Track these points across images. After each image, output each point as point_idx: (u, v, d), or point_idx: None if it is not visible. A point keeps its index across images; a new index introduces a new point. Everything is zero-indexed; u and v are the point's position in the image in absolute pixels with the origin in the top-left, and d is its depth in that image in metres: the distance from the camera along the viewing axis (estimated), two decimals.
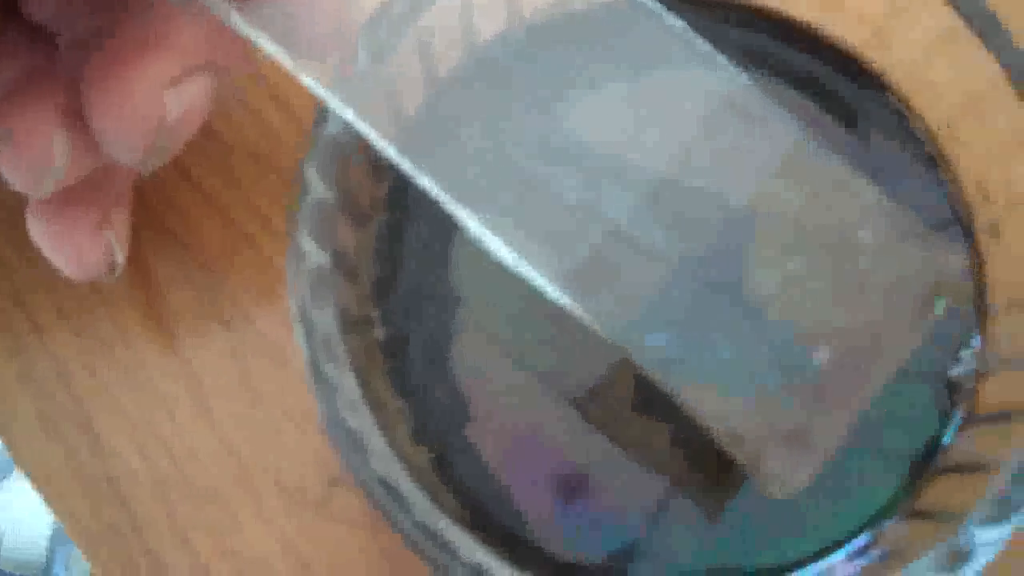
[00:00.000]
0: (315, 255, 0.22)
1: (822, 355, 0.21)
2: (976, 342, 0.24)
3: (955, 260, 0.23)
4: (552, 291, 0.20)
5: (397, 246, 0.24)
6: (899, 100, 0.25)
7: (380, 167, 0.24)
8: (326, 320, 0.22)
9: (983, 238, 0.24)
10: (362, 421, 0.21)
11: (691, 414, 0.21)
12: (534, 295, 0.21)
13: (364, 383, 0.22)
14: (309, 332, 0.21)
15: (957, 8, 0.22)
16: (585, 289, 0.21)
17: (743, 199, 0.22)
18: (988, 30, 0.22)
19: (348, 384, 0.21)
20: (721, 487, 0.23)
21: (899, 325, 0.21)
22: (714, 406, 0.20)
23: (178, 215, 0.29)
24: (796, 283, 0.21)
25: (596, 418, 0.23)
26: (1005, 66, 0.22)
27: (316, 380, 0.20)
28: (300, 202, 0.22)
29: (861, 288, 0.21)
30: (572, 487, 0.23)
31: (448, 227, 0.24)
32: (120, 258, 0.25)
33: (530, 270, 0.20)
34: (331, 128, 0.22)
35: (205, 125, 0.29)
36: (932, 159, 0.25)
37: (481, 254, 0.23)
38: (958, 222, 0.24)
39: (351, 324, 0.23)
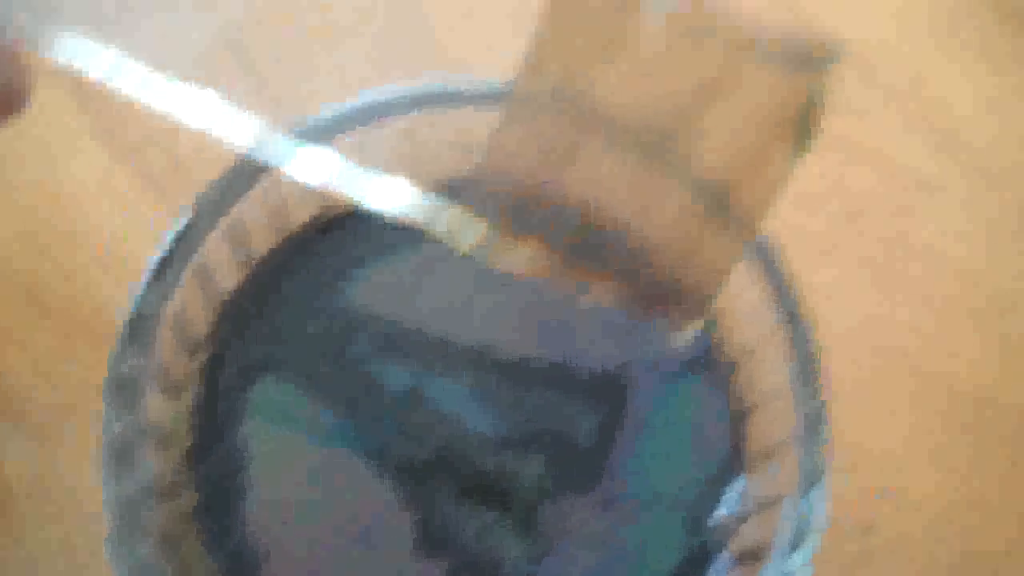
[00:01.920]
0: (119, 426, 0.23)
1: None
2: (738, 486, 0.26)
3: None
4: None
5: (212, 417, 0.26)
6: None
7: (194, 341, 0.26)
8: (129, 488, 0.23)
9: (744, 397, 0.27)
10: None
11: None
12: (325, 463, 0.23)
13: (172, 548, 0.24)
14: (113, 501, 0.23)
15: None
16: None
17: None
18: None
19: (147, 552, 0.23)
20: None
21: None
22: None
23: (11, 384, 0.31)
24: None
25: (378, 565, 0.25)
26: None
27: (114, 553, 0.22)
28: (109, 374, 0.24)
29: None
30: None
31: (257, 398, 0.26)
32: None
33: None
34: (140, 303, 0.24)
35: (40, 297, 0.31)
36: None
37: (282, 422, 0.25)
38: (726, 381, 0.27)
39: (163, 491, 0.25)
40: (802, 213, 0.34)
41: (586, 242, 0.20)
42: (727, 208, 0.20)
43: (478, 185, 0.20)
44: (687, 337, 0.20)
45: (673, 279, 0.20)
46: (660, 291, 0.20)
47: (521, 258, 0.19)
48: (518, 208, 0.20)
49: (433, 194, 0.20)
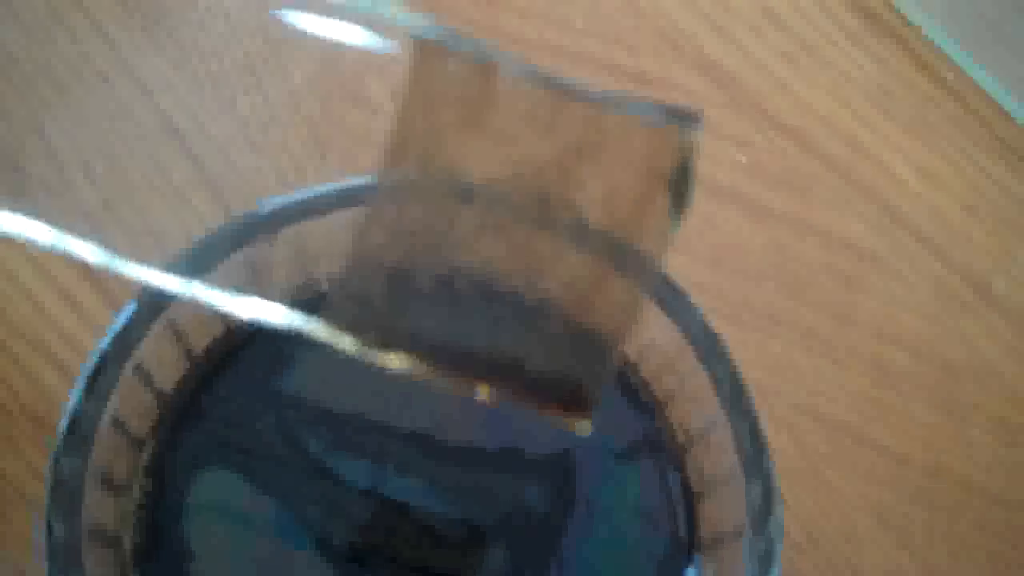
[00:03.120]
0: (59, 529, 0.23)
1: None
2: (691, 572, 0.26)
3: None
4: None
5: (156, 513, 0.26)
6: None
7: (137, 438, 0.26)
8: None
9: (694, 481, 0.27)
10: None
11: None
12: (272, 556, 0.23)
13: None
14: None
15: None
16: None
17: None
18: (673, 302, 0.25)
19: None
20: None
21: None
22: None
23: None
24: None
25: None
26: (685, 333, 0.25)
27: None
28: (49, 479, 0.23)
29: None
30: None
31: (201, 492, 0.26)
32: None
33: None
34: (77, 407, 0.24)
35: None
36: (649, 407, 0.28)
37: (228, 515, 0.25)
38: (679, 470, 0.27)
39: None
40: (745, 287, 0.34)
41: (459, 344, 0.20)
42: (621, 248, 0.20)
43: (349, 286, 0.20)
44: (585, 428, 0.19)
45: (562, 361, 0.20)
46: (547, 384, 0.19)
47: (401, 364, 0.19)
48: (387, 311, 0.20)
49: (298, 312, 0.20)
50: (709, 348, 0.25)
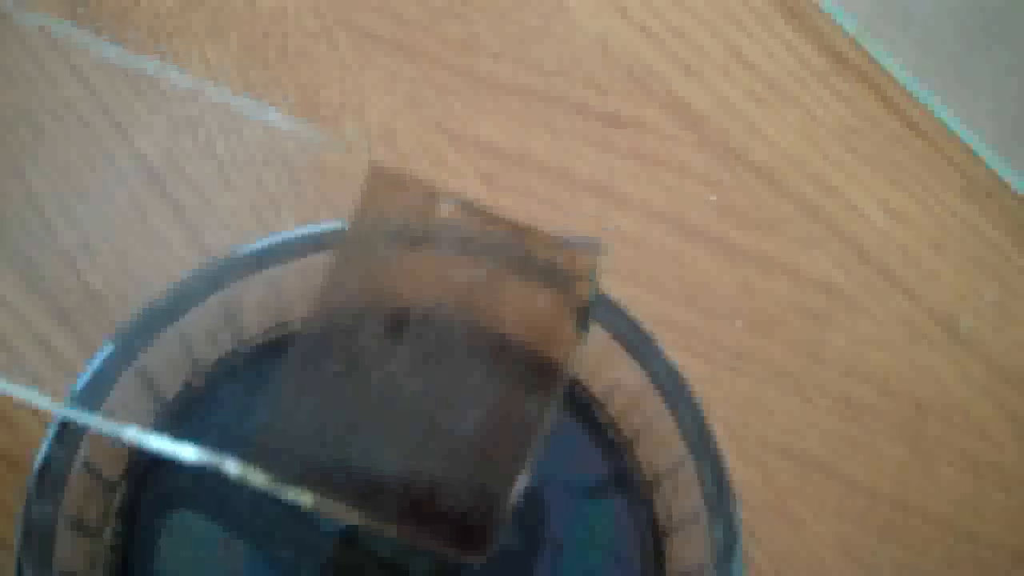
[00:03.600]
0: (31, 574, 0.23)
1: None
2: None
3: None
4: None
5: (127, 555, 0.26)
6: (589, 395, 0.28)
7: (108, 482, 0.26)
8: None
9: (661, 519, 0.27)
10: None
11: None
12: None
13: None
14: None
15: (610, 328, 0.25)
16: None
17: None
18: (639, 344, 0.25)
19: None
20: None
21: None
22: None
23: None
24: None
25: None
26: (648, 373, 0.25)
27: None
28: (20, 524, 0.24)
29: None
30: None
31: (172, 535, 0.26)
32: None
33: None
34: (48, 454, 0.24)
35: None
36: (617, 445, 0.28)
37: (200, 558, 0.25)
38: (646, 508, 0.28)
39: None
40: (715, 324, 0.35)
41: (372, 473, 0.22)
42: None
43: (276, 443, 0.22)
44: (479, 560, 0.21)
45: (469, 490, 0.21)
46: (448, 519, 0.21)
47: (310, 502, 0.21)
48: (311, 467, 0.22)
49: (220, 458, 0.21)
50: (673, 389, 0.25)
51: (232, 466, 0.20)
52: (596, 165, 0.36)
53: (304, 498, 0.20)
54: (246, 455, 0.20)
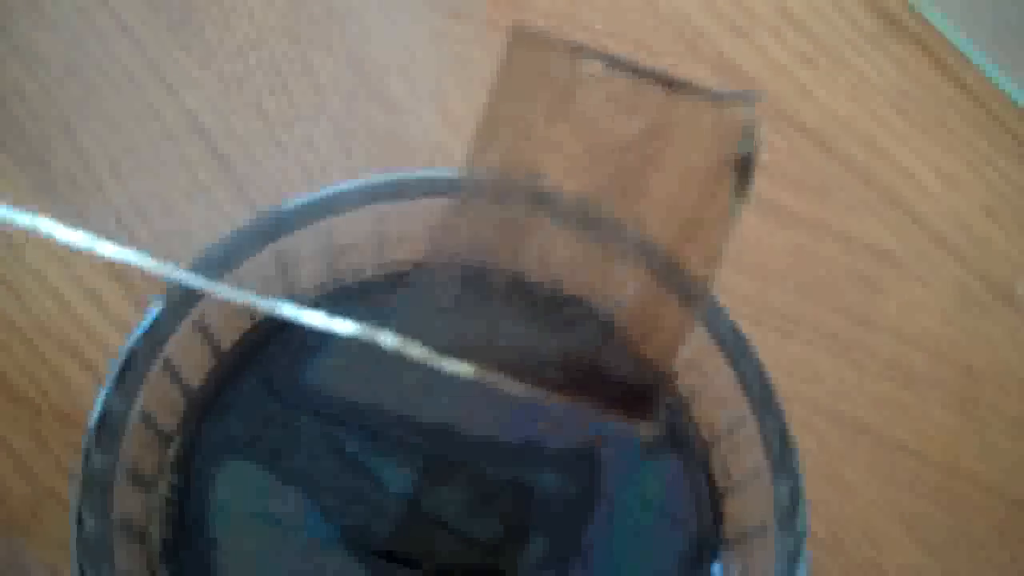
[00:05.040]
0: (91, 524, 0.23)
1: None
2: (717, 571, 0.26)
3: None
4: None
5: (184, 507, 0.26)
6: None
7: (165, 432, 0.26)
8: None
9: (718, 478, 0.27)
10: None
11: None
12: (297, 547, 0.23)
13: None
14: None
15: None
16: None
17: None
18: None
19: None
20: None
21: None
22: None
23: None
24: None
25: None
26: (712, 333, 0.25)
27: None
28: (79, 474, 0.24)
29: None
30: None
31: (227, 485, 0.26)
32: None
33: None
34: (107, 403, 0.24)
35: (12, 387, 0.31)
36: (672, 404, 0.28)
37: (253, 508, 0.25)
38: (702, 467, 0.27)
39: None
40: (765, 289, 0.34)
41: (529, 347, 0.20)
42: (677, 270, 0.20)
43: (426, 280, 0.20)
44: (649, 429, 0.20)
45: (628, 363, 0.20)
46: (614, 386, 0.20)
47: (469, 371, 0.20)
48: (457, 315, 0.20)
49: (365, 324, 0.20)
50: (738, 348, 0.25)
51: (388, 339, 0.19)
52: None
53: (464, 369, 0.19)
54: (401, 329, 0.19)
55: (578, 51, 0.20)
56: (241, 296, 0.20)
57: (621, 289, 0.20)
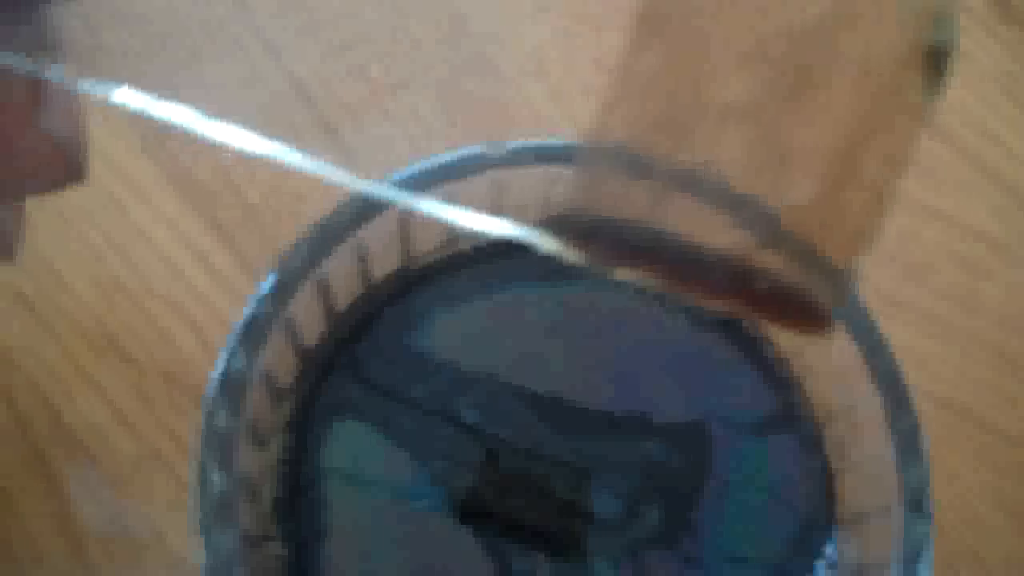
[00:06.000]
0: (217, 481, 0.23)
1: None
2: (831, 552, 0.26)
3: None
4: None
5: (296, 467, 0.26)
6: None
7: (280, 392, 0.26)
8: (227, 542, 0.23)
9: (832, 458, 0.27)
10: None
11: None
12: (406, 512, 0.23)
13: None
14: (210, 554, 0.23)
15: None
16: None
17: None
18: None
19: None
20: None
21: None
22: None
23: (91, 431, 0.30)
24: None
25: None
26: None
27: None
28: (203, 431, 0.24)
29: None
30: None
31: (339, 445, 0.26)
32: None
33: None
34: (231, 363, 0.24)
35: (119, 347, 0.31)
36: (785, 381, 0.27)
37: (364, 470, 0.25)
38: (816, 446, 0.27)
39: (252, 543, 0.24)
40: (867, 269, 0.34)
41: (696, 254, 0.19)
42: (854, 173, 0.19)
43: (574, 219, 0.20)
44: (826, 337, 0.19)
45: (797, 274, 0.19)
46: (783, 297, 0.19)
47: (635, 276, 0.19)
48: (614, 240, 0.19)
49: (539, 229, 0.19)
50: (863, 324, 0.24)
51: (556, 245, 0.18)
52: None
53: (623, 273, 0.18)
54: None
55: None
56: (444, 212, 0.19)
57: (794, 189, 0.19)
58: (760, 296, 0.18)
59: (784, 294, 0.18)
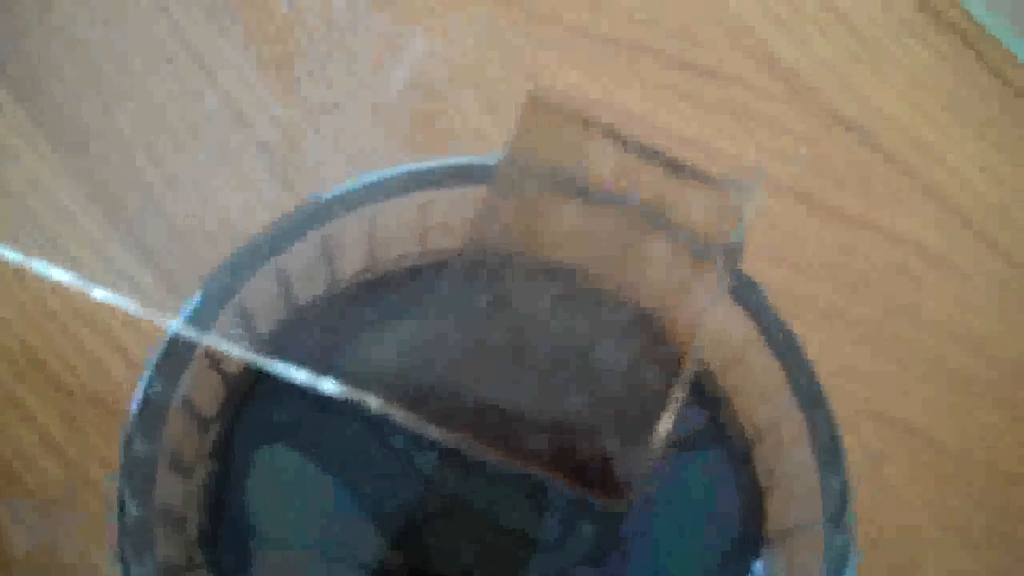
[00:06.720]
0: (134, 510, 0.23)
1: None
2: (759, 569, 0.26)
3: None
4: None
5: (222, 495, 0.26)
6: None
7: (204, 419, 0.26)
8: (144, 572, 0.23)
9: (761, 475, 0.26)
10: None
11: None
12: (335, 533, 0.23)
13: None
14: None
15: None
16: None
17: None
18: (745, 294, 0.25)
19: None
20: None
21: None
22: None
23: (18, 456, 0.30)
24: None
25: None
26: (757, 326, 0.24)
27: None
28: (120, 459, 0.23)
29: None
30: None
31: (268, 473, 0.26)
32: None
33: None
34: (149, 390, 0.24)
35: (46, 371, 0.30)
36: (713, 398, 0.27)
37: (291, 493, 0.25)
38: (744, 463, 0.27)
39: (175, 572, 0.24)
40: (807, 284, 0.34)
41: (513, 426, 0.22)
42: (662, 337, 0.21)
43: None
44: (619, 506, 0.21)
45: (606, 443, 0.21)
46: (591, 463, 0.21)
47: (447, 439, 0.21)
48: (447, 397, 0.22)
49: (348, 388, 0.21)
50: (784, 343, 0.24)
51: (374, 402, 0.19)
52: (686, 118, 0.35)
53: (447, 438, 0.20)
54: (386, 389, 0.20)
55: (587, 125, 0.22)
56: (227, 347, 0.21)
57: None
58: (571, 467, 0.21)
59: (592, 467, 0.21)
